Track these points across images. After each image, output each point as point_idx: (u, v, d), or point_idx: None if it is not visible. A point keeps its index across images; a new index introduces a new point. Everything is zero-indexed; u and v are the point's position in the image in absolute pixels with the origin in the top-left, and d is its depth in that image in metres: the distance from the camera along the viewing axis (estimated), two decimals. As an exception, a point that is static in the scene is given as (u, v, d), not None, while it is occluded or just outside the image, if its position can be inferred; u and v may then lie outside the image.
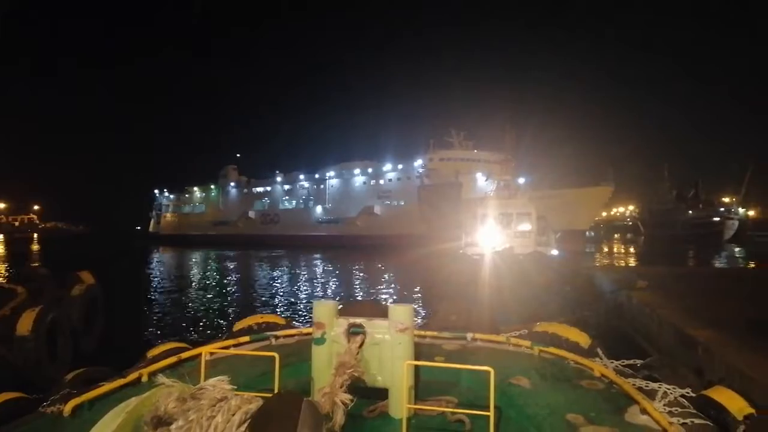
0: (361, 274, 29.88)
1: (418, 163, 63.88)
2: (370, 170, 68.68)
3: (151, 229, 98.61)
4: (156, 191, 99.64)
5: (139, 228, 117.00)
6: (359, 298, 20.77)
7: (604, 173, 53.96)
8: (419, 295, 19.76)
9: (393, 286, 24.50)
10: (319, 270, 34.28)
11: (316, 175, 75.02)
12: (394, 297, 20.78)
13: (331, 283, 26.61)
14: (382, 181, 67.24)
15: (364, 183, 69.04)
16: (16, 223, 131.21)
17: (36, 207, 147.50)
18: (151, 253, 54.11)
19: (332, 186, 72.28)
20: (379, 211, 64.87)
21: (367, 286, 24.86)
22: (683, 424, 2.56)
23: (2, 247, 63.91)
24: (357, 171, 69.81)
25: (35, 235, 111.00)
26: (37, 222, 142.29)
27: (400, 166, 66.07)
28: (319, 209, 72.20)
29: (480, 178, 59.31)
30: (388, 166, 67.31)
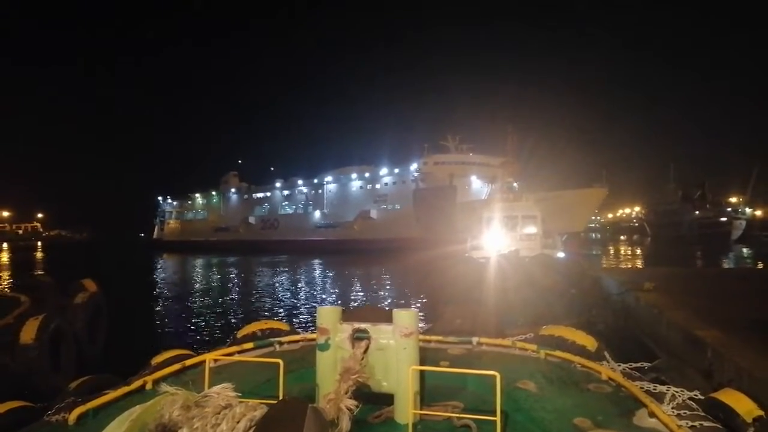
0: (364, 279, 29.84)
1: (414, 167, 64.19)
2: (367, 175, 69.06)
3: (155, 235, 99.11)
4: (159, 198, 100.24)
5: (142, 235, 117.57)
6: (363, 303, 20.73)
7: (598, 175, 53.92)
8: (424, 299, 19.71)
9: (397, 290, 24.46)
10: (320, 275, 34.28)
11: (315, 180, 75.56)
12: (399, 302, 20.75)
13: (333, 289, 26.60)
14: (378, 186, 67.68)
15: (361, 187, 69.56)
16: (20, 231, 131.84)
17: (40, 215, 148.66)
18: (154, 260, 54.23)
19: (330, 191, 72.87)
20: (376, 216, 65.35)
21: (370, 291, 24.81)
22: (692, 427, 2.53)
23: (6, 255, 64.11)
24: (354, 176, 70.29)
25: (39, 243, 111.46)
26: (41, 230, 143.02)
27: (396, 171, 66.52)
28: (317, 214, 72.77)
29: (475, 182, 59.50)
30: (384, 171, 67.69)
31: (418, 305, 18.12)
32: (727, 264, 37.56)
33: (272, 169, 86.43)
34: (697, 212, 71.95)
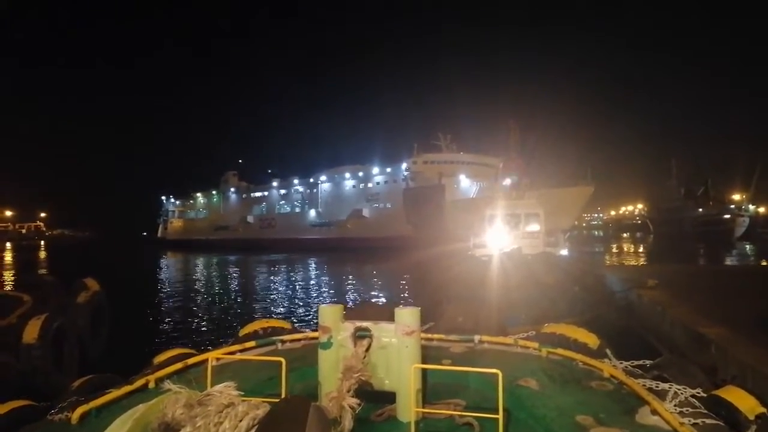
0: (361, 277, 29.82)
1: (404, 166, 64.55)
2: (360, 174, 69.59)
3: (159, 234, 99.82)
4: (163, 197, 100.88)
5: (145, 234, 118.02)
6: (362, 301, 20.72)
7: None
8: (426, 297, 19.69)
9: (397, 288, 24.44)
10: (320, 274, 34.33)
11: (310, 180, 76.24)
12: (399, 300, 20.73)
13: (334, 287, 26.60)
14: (370, 185, 68.22)
15: (354, 187, 70.14)
16: (23, 231, 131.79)
17: (42, 214, 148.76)
18: (157, 259, 54.36)
19: (324, 190, 73.61)
20: (368, 214, 65.94)
21: (371, 289, 24.82)
22: (694, 424, 2.52)
23: (9, 254, 64.28)
24: (347, 175, 70.89)
25: (42, 243, 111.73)
26: (44, 229, 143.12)
27: (388, 170, 67.00)
28: (312, 213, 73.49)
29: (464, 180, 59.66)
30: (376, 170, 68.22)
31: (420, 304, 18.08)
32: (730, 261, 37.46)
33: (270, 171, 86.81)
34: (700, 209, 71.88)
